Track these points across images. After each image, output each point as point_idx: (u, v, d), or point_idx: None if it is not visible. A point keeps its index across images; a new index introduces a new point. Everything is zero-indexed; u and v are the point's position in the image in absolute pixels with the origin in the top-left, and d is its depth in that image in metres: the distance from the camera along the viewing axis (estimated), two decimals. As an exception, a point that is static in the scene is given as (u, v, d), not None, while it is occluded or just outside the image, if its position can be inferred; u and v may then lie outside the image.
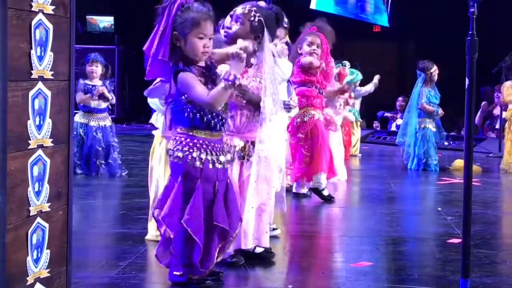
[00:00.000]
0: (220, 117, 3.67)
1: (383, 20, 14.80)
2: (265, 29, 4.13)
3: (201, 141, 3.64)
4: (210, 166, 3.64)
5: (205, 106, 3.57)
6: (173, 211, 3.61)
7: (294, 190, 6.64)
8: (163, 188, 3.81)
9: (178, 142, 3.66)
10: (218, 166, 3.68)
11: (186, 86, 3.56)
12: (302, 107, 6.39)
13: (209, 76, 3.66)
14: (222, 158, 3.70)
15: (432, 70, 8.96)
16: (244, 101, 4.11)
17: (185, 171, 3.63)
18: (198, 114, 3.61)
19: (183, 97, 3.60)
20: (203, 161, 3.62)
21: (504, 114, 9.73)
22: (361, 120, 10.53)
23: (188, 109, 3.61)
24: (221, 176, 3.71)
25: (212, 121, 3.64)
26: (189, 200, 3.59)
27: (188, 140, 3.64)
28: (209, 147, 3.65)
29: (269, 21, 4.17)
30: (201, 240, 3.61)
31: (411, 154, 8.99)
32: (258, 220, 4.23)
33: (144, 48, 3.62)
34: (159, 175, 4.61)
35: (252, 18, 4.12)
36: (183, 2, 3.60)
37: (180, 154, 3.63)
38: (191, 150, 3.62)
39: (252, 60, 4.17)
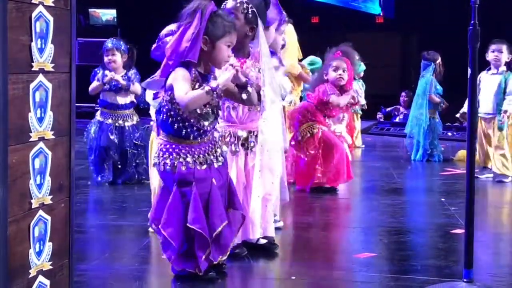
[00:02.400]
0: (195, 128, 3.63)
1: (375, 8, 14.66)
2: (258, 18, 4.12)
3: (173, 146, 3.65)
4: (183, 168, 3.62)
5: (180, 104, 3.53)
6: (157, 214, 3.68)
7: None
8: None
9: (158, 148, 3.72)
10: (197, 166, 3.64)
11: (175, 80, 3.57)
12: (305, 122, 6.40)
13: (201, 83, 3.62)
14: (201, 159, 3.67)
15: (439, 61, 8.94)
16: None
17: (162, 177, 3.71)
18: (170, 119, 3.61)
19: (164, 94, 3.62)
20: (175, 165, 3.62)
21: None
22: (361, 113, 10.48)
23: (164, 110, 3.63)
24: (201, 175, 3.64)
25: (184, 130, 3.62)
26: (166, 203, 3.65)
27: (162, 146, 3.68)
28: (183, 150, 3.64)
29: (260, 9, 4.15)
30: (178, 243, 3.62)
31: (416, 145, 8.95)
32: (264, 210, 4.23)
33: (168, 46, 3.63)
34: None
35: (245, 11, 4.10)
36: (214, 8, 3.63)
37: (156, 161, 3.69)
38: (164, 156, 3.65)
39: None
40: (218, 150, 3.78)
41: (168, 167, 3.63)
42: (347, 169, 6.50)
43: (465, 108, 7.53)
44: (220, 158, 3.76)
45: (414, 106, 9.14)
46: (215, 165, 3.72)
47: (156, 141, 4.62)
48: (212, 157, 3.71)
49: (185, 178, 3.61)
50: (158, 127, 3.75)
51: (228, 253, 3.82)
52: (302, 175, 6.47)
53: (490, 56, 7.37)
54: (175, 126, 3.62)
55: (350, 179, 6.62)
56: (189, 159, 3.63)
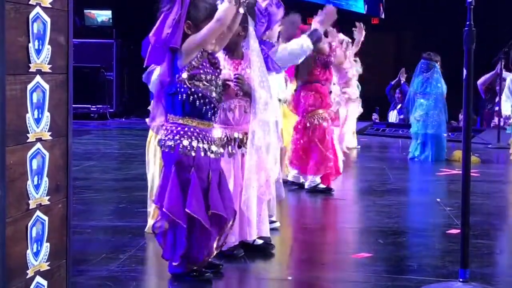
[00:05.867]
0: (212, 105, 3.67)
1: (358, 6, 14.59)
2: (248, 17, 4.12)
3: (192, 129, 3.64)
4: (202, 154, 3.64)
5: (216, 28, 3.55)
6: (174, 201, 3.60)
7: (290, 179, 6.66)
8: (160, 181, 3.80)
9: (169, 131, 3.66)
10: (210, 155, 3.68)
11: (194, 38, 3.57)
12: (315, 108, 6.38)
13: (210, 59, 3.70)
14: (214, 148, 3.71)
15: (439, 62, 8.94)
16: (242, 93, 4.11)
17: (177, 160, 3.62)
18: (191, 97, 3.60)
19: (178, 76, 3.61)
20: (195, 148, 3.63)
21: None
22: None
23: (182, 90, 3.61)
24: (214, 165, 3.71)
25: (204, 108, 3.64)
26: (186, 189, 3.59)
27: (179, 128, 3.64)
28: (200, 135, 3.65)
29: (250, 8, 4.16)
30: (209, 225, 3.62)
31: (423, 144, 8.91)
32: (259, 209, 4.23)
33: (151, 34, 3.62)
34: (155, 168, 4.62)
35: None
36: None
37: (171, 143, 3.63)
38: (182, 139, 3.62)
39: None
40: (219, 143, 3.87)
41: (187, 150, 3.60)
42: (335, 165, 6.52)
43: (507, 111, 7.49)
44: (221, 151, 3.84)
45: (429, 106, 8.97)
46: (219, 155, 3.77)
47: (153, 141, 4.63)
48: (217, 147, 3.75)
49: (203, 164, 3.64)
50: (170, 110, 3.69)
51: (212, 254, 3.79)
52: (315, 162, 6.46)
53: None
54: (196, 103, 3.62)
55: (339, 175, 6.63)
56: (205, 145, 3.65)
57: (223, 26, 3.60)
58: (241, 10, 3.69)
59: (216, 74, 3.71)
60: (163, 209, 3.61)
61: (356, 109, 9.46)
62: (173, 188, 3.61)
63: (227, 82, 4.03)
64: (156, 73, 4.29)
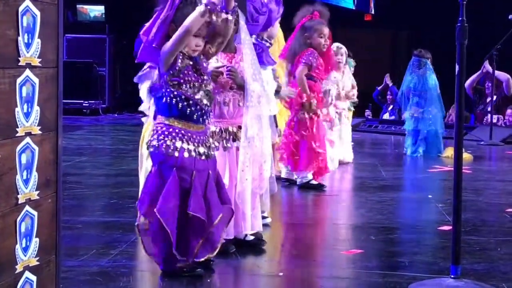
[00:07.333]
0: (198, 107, 3.64)
1: (347, 1, 14.55)
2: (239, 11, 4.10)
3: (177, 130, 3.63)
4: (186, 154, 3.61)
5: (182, 36, 3.50)
6: (150, 200, 3.62)
7: (283, 176, 6.64)
8: (145, 179, 3.82)
9: (155, 132, 3.67)
10: (196, 156, 3.65)
11: (166, 45, 3.56)
12: (308, 101, 6.33)
13: (194, 66, 3.67)
14: (201, 149, 3.67)
15: (430, 58, 8.93)
16: (236, 86, 4.11)
17: (160, 160, 3.63)
18: (174, 100, 3.59)
19: (162, 79, 3.61)
20: (178, 149, 3.60)
21: None
22: (353, 109, 10.48)
23: (166, 93, 3.61)
24: (200, 166, 3.66)
25: (188, 110, 3.61)
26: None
27: (164, 128, 3.64)
28: (186, 137, 3.63)
29: (240, 2, 4.15)
30: (173, 229, 3.58)
31: (418, 140, 8.90)
32: (253, 203, 4.23)
33: (142, 32, 3.64)
34: (147, 164, 4.60)
35: None
36: None
37: (155, 143, 3.64)
38: (166, 139, 3.62)
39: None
40: (211, 140, 3.81)
41: (170, 150, 3.59)
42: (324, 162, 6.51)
43: None
44: (213, 152, 3.78)
45: (423, 103, 8.95)
46: (210, 157, 3.73)
47: (146, 137, 4.62)
48: (207, 149, 3.72)
49: (186, 165, 3.61)
50: (158, 112, 3.71)
51: (216, 251, 3.79)
52: (306, 158, 6.43)
53: None
54: (179, 106, 3.60)
55: (327, 172, 6.62)
56: (190, 146, 3.63)
57: (189, 34, 3.54)
58: (230, 17, 3.67)
59: (200, 81, 3.66)
60: (137, 208, 3.66)
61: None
62: (151, 188, 3.63)
63: (219, 69, 4.01)
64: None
